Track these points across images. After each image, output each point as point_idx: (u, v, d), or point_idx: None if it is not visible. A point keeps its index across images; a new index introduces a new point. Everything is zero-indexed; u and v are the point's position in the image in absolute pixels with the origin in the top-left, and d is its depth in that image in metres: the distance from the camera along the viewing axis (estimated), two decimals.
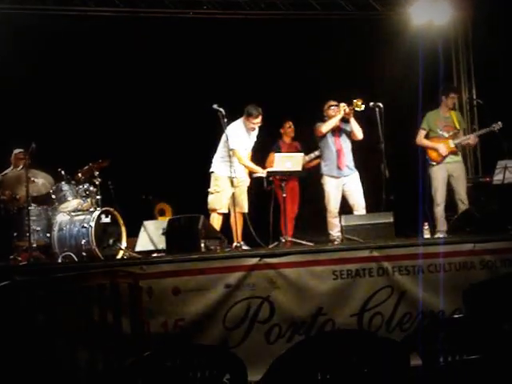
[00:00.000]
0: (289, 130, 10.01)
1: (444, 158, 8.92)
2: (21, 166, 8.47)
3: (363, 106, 8.58)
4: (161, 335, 5.93)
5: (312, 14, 10.61)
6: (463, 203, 8.82)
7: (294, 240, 8.28)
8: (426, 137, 9.05)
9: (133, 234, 8.20)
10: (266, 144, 9.45)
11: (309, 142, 9.58)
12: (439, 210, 8.87)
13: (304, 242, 7.96)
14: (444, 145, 8.93)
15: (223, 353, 4.09)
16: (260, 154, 9.13)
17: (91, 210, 8.27)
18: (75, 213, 8.26)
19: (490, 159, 9.20)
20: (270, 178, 8.76)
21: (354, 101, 8.61)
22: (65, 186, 8.33)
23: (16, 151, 8.83)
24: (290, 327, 6.24)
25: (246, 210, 8.45)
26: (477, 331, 4.08)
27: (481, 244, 6.82)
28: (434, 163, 8.96)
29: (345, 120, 8.73)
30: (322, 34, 10.67)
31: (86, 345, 5.42)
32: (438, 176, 8.94)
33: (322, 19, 10.67)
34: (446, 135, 8.98)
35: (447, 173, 8.96)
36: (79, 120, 10.04)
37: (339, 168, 8.67)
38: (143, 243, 7.93)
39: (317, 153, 9.32)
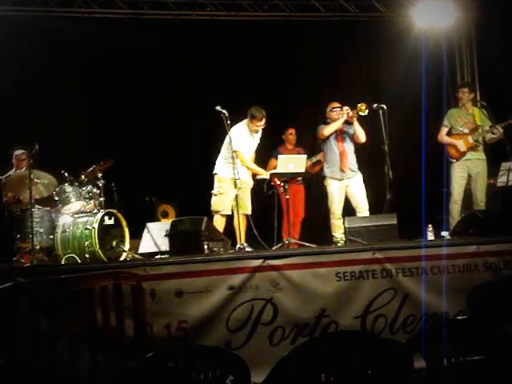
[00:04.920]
0: (290, 136, 10.03)
1: (463, 154, 8.83)
2: (24, 168, 8.45)
3: (367, 111, 8.57)
4: (164, 337, 5.92)
5: (315, 16, 10.60)
6: (478, 204, 8.73)
7: (297, 242, 8.26)
8: (449, 133, 8.97)
9: (136, 236, 8.18)
10: (267, 149, 9.42)
11: (313, 146, 9.60)
12: (456, 208, 8.80)
13: (307, 244, 7.93)
14: (463, 141, 8.84)
15: (226, 354, 4.08)
16: (262, 158, 9.09)
17: (94, 211, 8.26)
18: (78, 215, 8.25)
19: (494, 161, 9.17)
20: (272, 183, 8.75)
21: (358, 105, 8.61)
22: (68, 188, 8.32)
23: (17, 152, 8.81)
24: (294, 329, 6.22)
25: (249, 211, 8.42)
26: (480, 333, 4.07)
27: (484, 246, 6.79)
28: (454, 160, 8.89)
29: (348, 122, 8.73)
30: (325, 36, 10.67)
31: (88, 346, 5.40)
32: (456, 173, 8.87)
33: (326, 21, 10.67)
34: (466, 131, 8.89)
35: (467, 170, 8.87)
36: (83, 121, 10.06)
37: (342, 170, 8.67)
38: (146, 245, 7.91)
39: (314, 159, 9.36)
